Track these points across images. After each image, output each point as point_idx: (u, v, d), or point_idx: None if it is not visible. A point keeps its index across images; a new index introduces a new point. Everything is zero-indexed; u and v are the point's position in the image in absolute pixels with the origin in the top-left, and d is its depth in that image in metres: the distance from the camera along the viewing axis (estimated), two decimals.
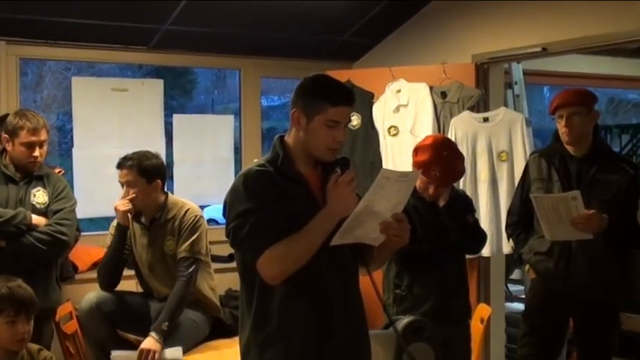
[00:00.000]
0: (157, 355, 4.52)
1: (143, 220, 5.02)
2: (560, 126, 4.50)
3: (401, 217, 2.89)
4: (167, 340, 4.61)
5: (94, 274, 5.59)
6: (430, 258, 4.28)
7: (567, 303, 4.56)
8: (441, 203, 4.33)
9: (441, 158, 4.22)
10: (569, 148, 4.53)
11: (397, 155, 6.09)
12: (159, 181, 4.94)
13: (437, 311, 4.23)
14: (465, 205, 4.52)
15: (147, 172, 4.87)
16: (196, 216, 4.98)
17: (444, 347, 3.97)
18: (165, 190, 5.09)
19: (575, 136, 4.47)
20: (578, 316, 4.64)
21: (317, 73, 3.07)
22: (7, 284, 3.73)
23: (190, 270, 4.85)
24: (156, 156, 5.02)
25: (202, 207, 5.24)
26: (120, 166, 4.90)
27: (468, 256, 4.72)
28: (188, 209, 4.99)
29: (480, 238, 4.54)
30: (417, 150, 4.31)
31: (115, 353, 4.64)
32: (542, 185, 4.57)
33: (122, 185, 4.91)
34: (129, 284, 5.32)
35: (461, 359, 4.45)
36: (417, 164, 4.23)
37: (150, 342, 4.54)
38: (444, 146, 4.34)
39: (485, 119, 5.92)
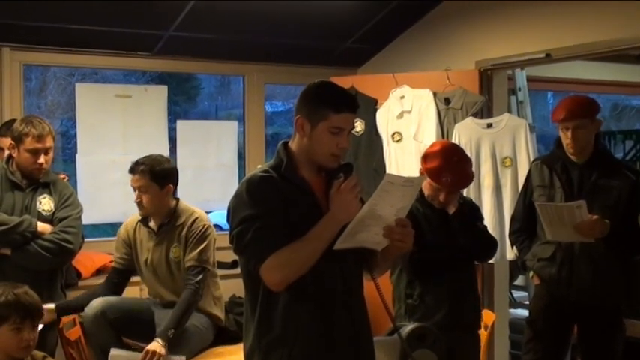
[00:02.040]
0: (161, 359, 4.52)
1: (151, 224, 5.02)
2: (565, 137, 4.50)
3: (404, 222, 2.89)
4: (171, 347, 4.61)
5: (97, 281, 5.62)
6: (442, 265, 4.28)
7: (571, 309, 4.56)
8: (451, 210, 4.33)
9: (452, 164, 4.22)
10: (571, 155, 4.54)
11: (401, 161, 6.10)
12: (171, 186, 4.93)
13: (449, 320, 4.23)
14: (473, 213, 4.53)
15: (159, 178, 4.84)
16: (205, 225, 4.96)
17: (454, 356, 3.98)
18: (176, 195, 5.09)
19: (580, 147, 4.48)
20: (582, 321, 4.64)
21: (321, 79, 3.08)
22: (14, 291, 3.72)
23: (198, 278, 4.82)
24: (168, 160, 5.01)
25: (206, 213, 5.23)
26: (132, 171, 4.86)
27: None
28: (197, 218, 4.96)
29: (492, 244, 4.54)
30: (426, 157, 4.31)
31: (113, 352, 4.63)
32: (545, 192, 4.58)
33: (134, 190, 4.89)
34: (133, 291, 5.32)
35: None
36: (427, 171, 4.22)
37: (155, 345, 4.53)
38: (454, 152, 4.35)
39: (489, 125, 5.92)
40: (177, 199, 5.04)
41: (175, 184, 4.97)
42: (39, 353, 3.84)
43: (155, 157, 4.95)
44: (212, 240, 4.95)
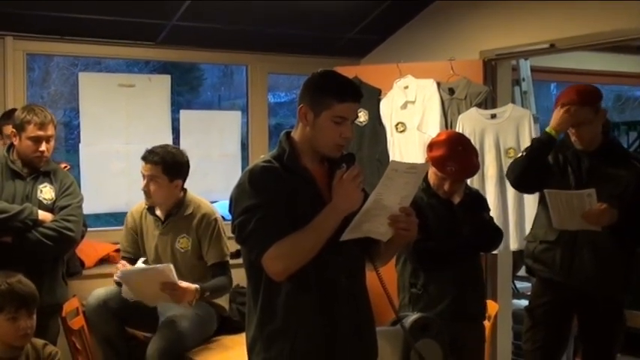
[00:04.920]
0: (188, 299, 4.60)
1: (158, 212, 5.01)
2: (571, 134, 4.48)
3: (409, 211, 2.89)
4: (172, 333, 4.63)
5: (100, 270, 5.65)
6: (447, 255, 4.27)
7: (571, 296, 4.54)
8: (456, 200, 4.32)
9: (457, 153, 4.21)
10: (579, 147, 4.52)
11: (404, 151, 6.08)
12: (180, 181, 4.93)
13: (453, 310, 4.23)
14: (479, 203, 4.52)
15: (170, 171, 4.85)
16: (216, 220, 4.98)
17: (458, 346, 3.98)
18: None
19: (587, 141, 4.46)
20: (583, 311, 4.63)
21: (325, 69, 3.07)
22: (7, 280, 3.72)
23: (229, 272, 4.97)
24: (182, 154, 4.98)
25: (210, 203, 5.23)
26: (145, 159, 4.86)
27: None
28: (205, 213, 4.97)
29: (497, 235, 4.53)
30: (431, 146, 4.30)
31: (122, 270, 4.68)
32: (556, 178, 4.54)
33: (143, 176, 4.87)
34: None
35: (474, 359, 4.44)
36: (432, 160, 4.22)
37: (191, 286, 4.60)
38: (459, 141, 4.34)
39: (493, 116, 5.90)
40: (185, 190, 5.03)
41: (185, 179, 4.97)
42: (39, 341, 3.85)
43: (170, 148, 4.95)
44: (223, 231, 4.97)
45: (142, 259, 4.83)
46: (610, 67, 8.61)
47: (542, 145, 4.49)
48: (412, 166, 2.83)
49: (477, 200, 4.54)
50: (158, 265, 4.63)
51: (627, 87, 12.73)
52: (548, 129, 4.48)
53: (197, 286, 4.62)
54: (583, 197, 4.25)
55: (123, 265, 4.76)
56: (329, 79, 2.98)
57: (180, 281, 4.53)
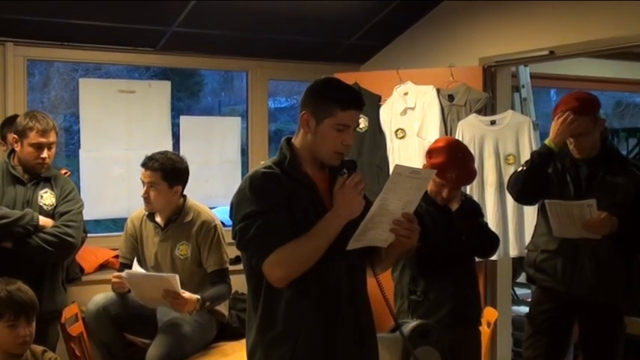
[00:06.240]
0: (188, 309, 4.60)
1: (158, 219, 5.02)
2: (569, 143, 4.48)
3: (411, 217, 2.89)
4: (174, 343, 4.63)
5: (100, 276, 5.63)
6: (446, 262, 4.28)
7: (572, 305, 4.55)
8: (454, 207, 4.33)
9: (457, 160, 4.23)
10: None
11: (404, 158, 6.07)
12: (180, 187, 4.94)
13: (453, 316, 4.25)
14: (475, 209, 4.53)
15: (170, 177, 4.86)
16: (215, 227, 4.99)
17: (456, 351, 3.98)
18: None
19: (586, 150, 4.46)
20: (583, 319, 4.62)
21: (327, 75, 3.08)
22: (7, 287, 3.70)
23: (227, 279, 4.99)
24: (181, 160, 4.99)
25: (210, 209, 5.23)
26: (145, 165, 4.88)
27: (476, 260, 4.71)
28: (205, 220, 4.99)
29: (495, 240, 4.54)
30: (430, 152, 4.31)
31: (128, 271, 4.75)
32: (554, 187, 4.54)
33: (143, 183, 4.89)
34: None
35: None
36: (432, 167, 4.21)
37: (193, 296, 4.61)
38: (458, 148, 4.36)
39: (493, 122, 5.91)
40: (185, 196, 5.03)
41: (184, 185, 4.98)
42: (38, 348, 3.84)
43: (170, 155, 4.96)
44: (223, 238, 4.99)
45: (135, 263, 4.87)
46: (610, 73, 8.60)
47: (542, 159, 4.48)
48: (415, 171, 2.82)
49: (473, 207, 4.55)
50: (164, 274, 4.65)
51: (627, 93, 12.72)
52: (547, 141, 4.48)
53: (198, 297, 4.63)
54: (583, 207, 4.26)
55: (118, 277, 4.81)
56: (332, 86, 2.99)
57: (182, 291, 4.54)
